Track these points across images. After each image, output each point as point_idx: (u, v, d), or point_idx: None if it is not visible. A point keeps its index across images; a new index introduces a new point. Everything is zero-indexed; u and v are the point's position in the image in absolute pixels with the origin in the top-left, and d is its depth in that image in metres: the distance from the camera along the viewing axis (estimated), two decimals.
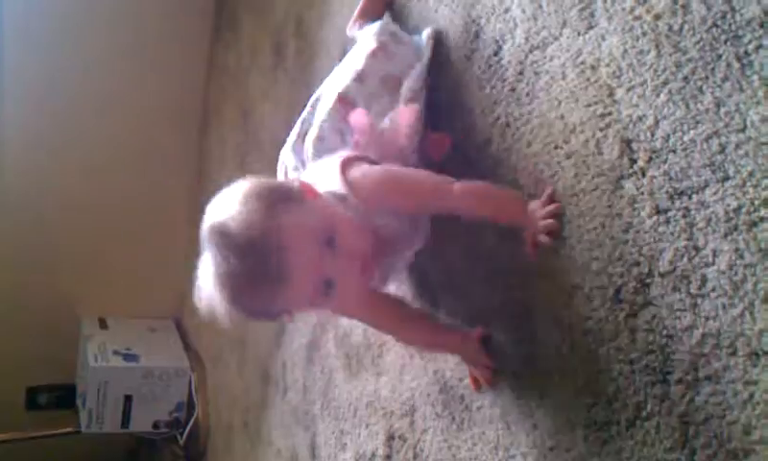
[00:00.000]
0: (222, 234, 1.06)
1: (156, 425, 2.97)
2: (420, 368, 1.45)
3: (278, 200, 1.09)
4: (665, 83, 0.99)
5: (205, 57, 3.09)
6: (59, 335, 3.00)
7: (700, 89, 0.94)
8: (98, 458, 3.14)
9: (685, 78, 0.96)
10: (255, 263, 1.05)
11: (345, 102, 1.37)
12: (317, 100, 1.46)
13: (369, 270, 1.22)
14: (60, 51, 2.84)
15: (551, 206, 1.14)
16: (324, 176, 1.24)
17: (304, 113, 1.48)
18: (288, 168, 1.47)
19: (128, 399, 2.90)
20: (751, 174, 0.88)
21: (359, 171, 1.22)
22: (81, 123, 2.91)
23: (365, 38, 1.47)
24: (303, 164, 1.42)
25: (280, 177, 1.51)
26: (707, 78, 0.94)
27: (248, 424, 2.38)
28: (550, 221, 1.14)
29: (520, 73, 1.24)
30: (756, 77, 0.88)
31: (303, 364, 1.99)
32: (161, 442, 3.03)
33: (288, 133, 2.16)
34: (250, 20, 2.68)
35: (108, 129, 2.96)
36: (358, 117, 1.33)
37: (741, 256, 0.88)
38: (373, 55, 1.40)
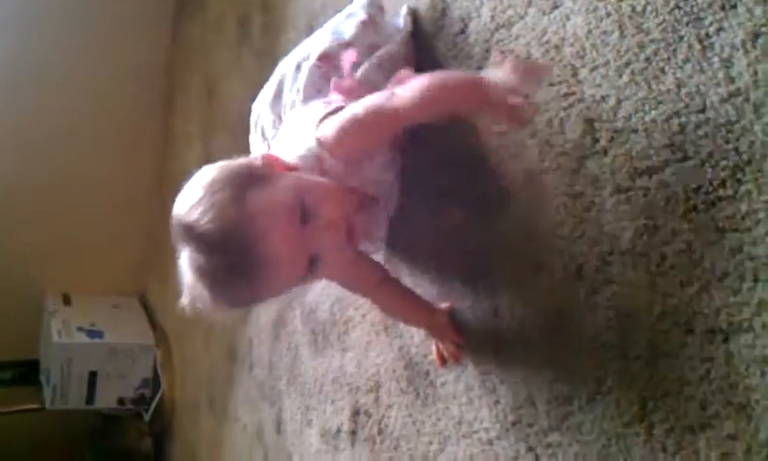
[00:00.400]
0: (193, 232, 1.00)
1: (121, 402, 2.96)
2: (386, 344, 1.46)
3: (245, 184, 1.04)
4: (628, 63, 1.00)
5: (170, 31, 3.06)
6: (22, 311, 2.97)
7: (662, 70, 0.96)
8: (63, 435, 3.12)
9: (648, 59, 0.97)
10: (233, 257, 1.00)
11: (326, 59, 1.35)
12: (295, 62, 1.41)
13: (353, 234, 1.16)
14: (19, 26, 2.79)
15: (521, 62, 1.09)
16: (299, 134, 1.21)
17: (277, 73, 1.45)
18: (265, 126, 1.44)
19: (92, 375, 2.88)
20: (710, 154, 0.89)
21: (328, 123, 1.17)
22: (43, 98, 2.86)
23: (353, 7, 1.45)
24: (280, 119, 1.39)
25: (254, 133, 1.48)
26: (668, 59, 0.95)
27: (213, 400, 2.38)
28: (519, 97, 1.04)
29: (486, 51, 1.25)
30: (716, 59, 0.90)
31: (270, 340, 1.99)
32: (126, 418, 3.02)
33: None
34: None
35: (71, 104, 2.91)
36: (349, 56, 1.32)
37: (699, 236, 0.90)
38: (363, 25, 1.39)
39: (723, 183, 0.88)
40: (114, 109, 2.99)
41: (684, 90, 0.93)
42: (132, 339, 2.97)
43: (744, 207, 0.86)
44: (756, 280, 0.85)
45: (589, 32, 1.06)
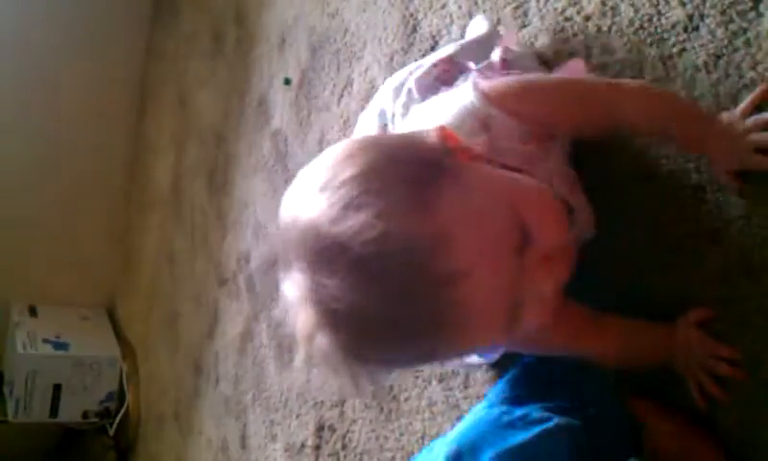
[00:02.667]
0: (344, 259, 0.63)
1: (85, 415, 2.91)
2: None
3: (428, 177, 0.66)
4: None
5: (144, 42, 3.04)
6: None
7: None
8: (26, 448, 3.06)
9: (615, 76, 0.98)
10: (406, 301, 0.63)
11: (447, 62, 1.00)
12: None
13: (568, 266, 0.77)
14: None
15: (764, 116, 0.82)
16: (445, 107, 0.83)
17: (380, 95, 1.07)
18: (396, 114, 0.98)
19: (57, 387, 2.83)
20: (671, 173, 0.91)
21: (492, 81, 0.84)
22: (11, 105, 2.83)
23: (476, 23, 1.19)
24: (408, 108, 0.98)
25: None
26: (634, 79, 0.96)
27: (178, 414, 2.36)
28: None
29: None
30: (679, 79, 0.91)
31: (236, 355, 1.98)
32: (91, 432, 2.98)
33: (227, 120, 2.15)
34: (189, 6, 2.65)
35: (41, 112, 2.88)
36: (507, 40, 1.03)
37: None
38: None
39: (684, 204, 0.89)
40: (85, 118, 2.96)
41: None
42: (98, 351, 2.92)
43: (704, 228, 0.87)
44: None
45: (556, 52, 1.07)
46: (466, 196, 0.66)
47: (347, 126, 1.57)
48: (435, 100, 0.88)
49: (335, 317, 0.64)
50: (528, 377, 0.94)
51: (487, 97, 0.79)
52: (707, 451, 0.85)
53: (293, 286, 0.67)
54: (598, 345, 0.90)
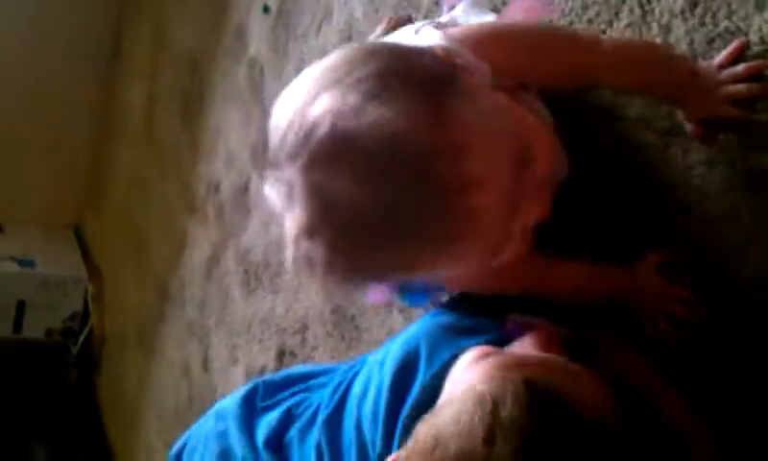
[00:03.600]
0: (356, 152, 0.60)
1: (48, 333, 2.92)
2: (315, 288, 1.47)
3: (441, 87, 0.64)
4: (571, 23, 1.01)
5: None
6: None
7: (603, 32, 0.97)
8: None
9: (590, 20, 0.98)
10: (415, 200, 0.61)
11: None
12: None
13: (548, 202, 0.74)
14: None
15: (742, 67, 0.82)
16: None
17: None
18: None
19: (21, 304, 2.84)
20: (640, 118, 0.92)
21: (460, 27, 0.83)
22: None
23: None
24: None
25: None
26: (610, 22, 0.96)
27: (142, 336, 2.37)
28: (742, 85, 0.82)
29: None
30: (655, 24, 0.91)
31: (202, 279, 1.99)
32: (54, 350, 2.99)
33: (203, 47, 2.13)
34: None
35: (17, 34, 2.82)
36: None
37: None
38: None
39: (652, 146, 0.90)
40: (59, 40, 2.90)
41: None
42: (64, 271, 2.92)
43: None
44: None
45: None
46: (480, 110, 0.65)
47: (324, 57, 1.56)
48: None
49: (333, 213, 0.62)
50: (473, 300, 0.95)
51: (455, 38, 0.76)
52: (647, 374, 0.88)
53: (281, 187, 0.65)
54: (554, 286, 0.90)
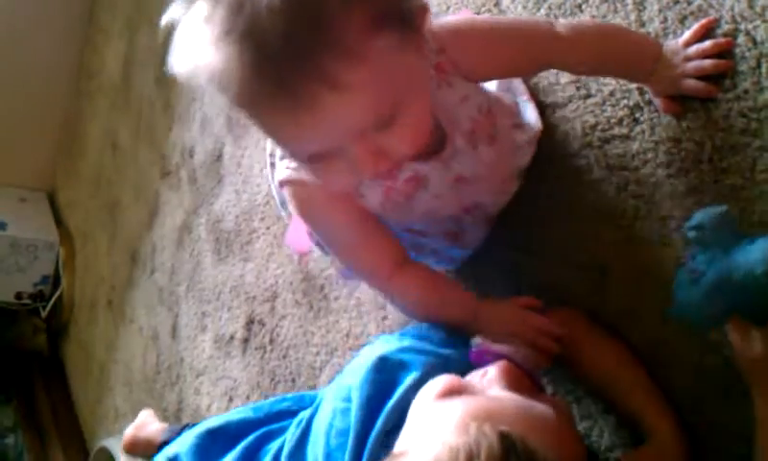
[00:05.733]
0: None
1: (18, 296, 2.89)
2: (286, 257, 1.46)
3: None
4: None
5: None
6: None
7: (579, 7, 0.97)
8: None
9: None
10: (311, 22, 0.64)
11: None
12: None
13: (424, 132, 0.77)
14: None
15: (709, 43, 0.83)
16: None
17: None
18: None
19: None
20: (611, 94, 0.92)
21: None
22: None
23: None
24: None
25: None
26: None
27: (112, 302, 2.35)
28: (708, 61, 0.83)
29: None
30: (629, 1, 0.91)
31: (173, 246, 1.97)
32: (23, 313, 2.96)
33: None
34: None
35: None
36: None
37: (590, 171, 0.93)
38: None
39: (620, 122, 0.90)
40: (32, 1, 2.86)
41: None
42: (35, 234, 2.88)
43: (635, 147, 0.88)
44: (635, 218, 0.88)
45: None
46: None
47: None
48: None
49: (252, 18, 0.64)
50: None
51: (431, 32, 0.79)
52: (618, 362, 0.89)
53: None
54: (400, 282, 0.92)
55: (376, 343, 0.89)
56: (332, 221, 0.89)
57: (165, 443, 1.19)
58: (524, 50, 0.86)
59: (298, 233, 1.07)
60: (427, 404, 0.72)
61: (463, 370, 0.77)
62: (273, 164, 0.93)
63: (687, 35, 0.85)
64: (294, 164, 0.85)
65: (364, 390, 0.80)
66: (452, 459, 0.60)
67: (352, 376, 0.84)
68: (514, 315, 0.88)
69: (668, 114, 0.86)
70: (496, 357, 0.78)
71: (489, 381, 0.73)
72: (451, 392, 0.71)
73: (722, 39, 0.82)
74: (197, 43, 0.68)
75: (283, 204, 0.97)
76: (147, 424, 1.47)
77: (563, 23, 0.86)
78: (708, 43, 0.83)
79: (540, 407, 0.69)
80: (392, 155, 0.73)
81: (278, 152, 0.89)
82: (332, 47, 0.64)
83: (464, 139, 0.86)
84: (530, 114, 0.96)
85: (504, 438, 0.61)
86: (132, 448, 1.43)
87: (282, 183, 0.88)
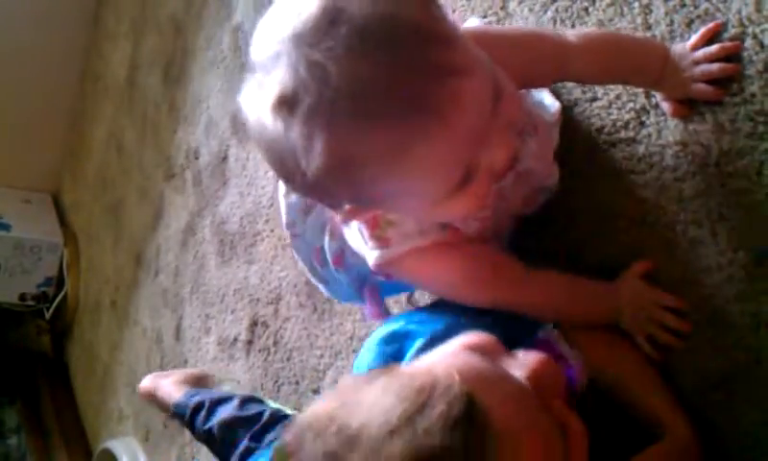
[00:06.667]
0: (350, 23, 0.60)
1: (22, 298, 2.90)
2: (291, 259, 1.46)
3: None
4: (554, 0, 1.01)
5: None
6: None
7: (585, 10, 0.97)
8: None
9: None
10: (405, 75, 0.61)
11: None
12: None
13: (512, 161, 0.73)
14: None
15: (716, 47, 0.83)
16: None
17: None
18: None
19: None
20: (617, 97, 0.91)
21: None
22: None
23: None
24: None
25: None
26: (593, 1, 0.96)
27: (116, 303, 2.36)
28: (715, 65, 0.82)
29: None
30: (636, 4, 0.91)
31: (178, 248, 1.97)
32: (27, 315, 2.97)
33: (188, 11, 2.10)
34: None
35: None
36: None
37: (597, 174, 0.92)
38: None
39: (626, 125, 0.90)
40: (40, 2, 2.87)
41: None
42: (39, 235, 2.89)
43: (641, 150, 0.88)
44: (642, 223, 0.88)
45: None
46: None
47: None
48: None
49: (322, 76, 0.60)
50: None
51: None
52: (635, 359, 0.88)
53: (263, 76, 0.63)
54: (539, 295, 0.87)
55: (384, 324, 0.88)
56: (448, 266, 0.84)
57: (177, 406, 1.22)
58: (536, 58, 0.85)
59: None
60: (450, 348, 0.70)
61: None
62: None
63: (694, 38, 0.85)
64: (384, 245, 0.82)
65: (374, 364, 0.80)
66: (407, 387, 0.59)
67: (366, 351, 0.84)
68: (647, 298, 0.86)
69: (676, 118, 0.86)
70: (555, 355, 0.75)
71: (518, 362, 0.69)
72: (477, 348, 0.68)
73: (729, 43, 0.82)
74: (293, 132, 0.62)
75: (291, 224, 0.96)
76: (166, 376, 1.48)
77: (570, 32, 0.86)
78: (715, 47, 0.83)
79: (538, 416, 0.65)
80: (513, 124, 0.71)
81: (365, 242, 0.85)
82: (434, 43, 0.62)
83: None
84: (546, 97, 0.95)
85: (467, 401, 0.59)
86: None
87: (382, 266, 0.84)
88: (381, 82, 0.60)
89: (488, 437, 0.58)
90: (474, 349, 0.68)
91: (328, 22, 0.60)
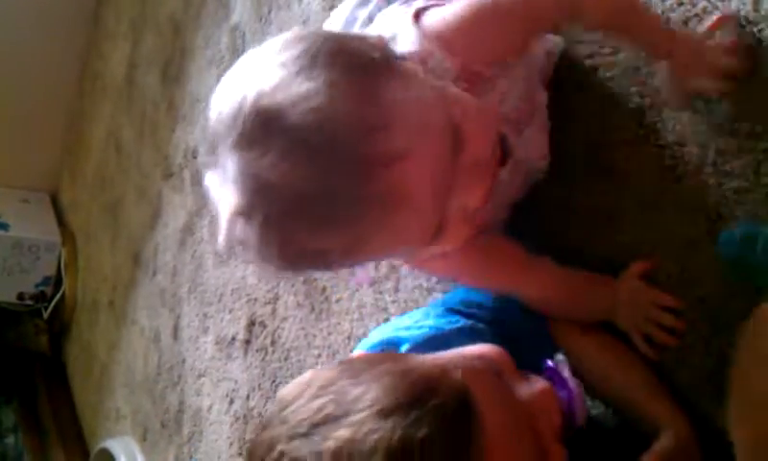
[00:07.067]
0: (278, 121, 0.60)
1: (20, 297, 2.89)
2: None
3: (370, 68, 0.65)
4: None
5: None
6: None
7: None
8: None
9: None
10: (343, 175, 0.60)
11: None
12: None
13: (489, 191, 0.73)
14: None
15: (733, 39, 0.81)
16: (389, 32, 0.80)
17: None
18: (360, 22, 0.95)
19: None
20: (614, 97, 0.92)
21: (434, 13, 0.79)
22: None
23: None
24: (371, 19, 0.92)
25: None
26: None
27: (114, 302, 2.35)
28: (735, 60, 0.79)
29: None
30: None
31: (176, 247, 1.97)
32: (25, 314, 2.96)
33: (187, 11, 2.10)
34: None
35: None
36: None
37: (595, 175, 0.92)
38: None
39: (624, 126, 0.90)
40: (38, 1, 2.87)
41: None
42: (37, 235, 2.89)
43: (640, 150, 0.88)
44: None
45: None
46: (407, 89, 0.65)
47: (306, 26, 1.55)
48: (381, 20, 0.86)
49: (267, 191, 0.60)
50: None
51: (426, 34, 0.77)
52: (631, 359, 0.88)
53: (219, 172, 0.64)
54: (536, 287, 0.89)
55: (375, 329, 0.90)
56: (467, 262, 0.86)
57: None
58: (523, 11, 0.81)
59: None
60: (464, 351, 0.71)
61: (463, 340, 0.76)
62: None
63: (711, 22, 0.82)
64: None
65: None
66: (408, 374, 0.61)
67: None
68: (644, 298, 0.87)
69: (677, 109, 0.85)
70: (560, 383, 0.76)
71: (523, 384, 0.70)
72: (489, 359, 0.69)
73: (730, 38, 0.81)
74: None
75: None
76: None
77: None
78: (731, 39, 0.81)
79: (526, 436, 0.65)
80: (482, 161, 0.70)
81: None
82: (370, 132, 0.60)
83: (512, 131, 0.84)
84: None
85: (464, 400, 0.59)
86: None
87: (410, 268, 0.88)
88: (323, 188, 0.60)
89: (475, 440, 0.59)
90: (486, 358, 0.69)
91: (263, 127, 0.61)
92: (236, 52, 1.80)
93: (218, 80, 1.71)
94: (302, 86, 0.60)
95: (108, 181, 2.54)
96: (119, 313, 2.30)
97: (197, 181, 1.91)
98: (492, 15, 0.79)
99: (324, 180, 0.60)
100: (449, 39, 0.76)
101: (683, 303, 0.86)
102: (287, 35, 0.67)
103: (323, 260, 0.67)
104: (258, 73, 0.63)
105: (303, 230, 0.62)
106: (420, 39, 0.76)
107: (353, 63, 0.64)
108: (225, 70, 1.79)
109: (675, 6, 0.87)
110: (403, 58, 0.71)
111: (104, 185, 2.58)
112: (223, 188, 0.64)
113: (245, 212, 0.62)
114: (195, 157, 1.94)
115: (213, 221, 1.76)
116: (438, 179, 0.65)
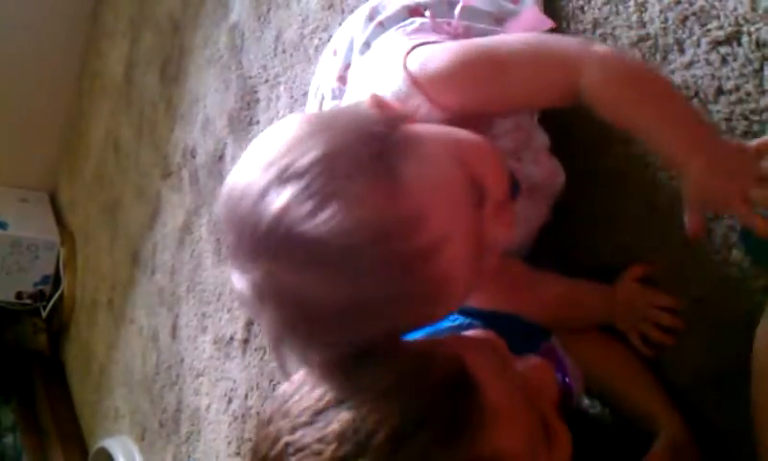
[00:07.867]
0: (314, 252, 0.59)
1: (19, 296, 2.89)
2: None
3: (382, 155, 0.63)
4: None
5: None
6: None
7: (581, 9, 0.97)
8: None
9: None
10: (383, 289, 0.60)
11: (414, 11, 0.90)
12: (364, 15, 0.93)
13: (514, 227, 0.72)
14: None
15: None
16: (376, 71, 0.81)
17: (339, 36, 0.99)
18: (326, 95, 0.96)
19: None
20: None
21: (423, 53, 0.77)
22: None
23: None
24: (344, 83, 0.93)
25: (341, 52, 0.95)
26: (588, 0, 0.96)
27: (112, 301, 2.35)
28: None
29: None
30: (632, 2, 0.91)
31: (174, 246, 1.97)
32: (24, 313, 2.96)
33: (186, 9, 2.10)
34: None
35: None
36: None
37: (594, 177, 0.92)
38: None
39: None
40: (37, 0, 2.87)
41: (599, 31, 0.95)
42: (36, 234, 2.89)
43: (638, 150, 0.88)
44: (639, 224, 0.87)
45: None
46: (423, 166, 0.64)
47: (305, 25, 1.54)
48: (372, 58, 0.86)
49: (305, 309, 0.61)
50: None
51: (415, 82, 0.75)
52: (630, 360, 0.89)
53: (248, 284, 0.64)
54: (536, 303, 0.89)
55: None
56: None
57: None
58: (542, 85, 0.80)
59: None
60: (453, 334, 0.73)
61: None
62: None
63: (760, 141, 0.73)
64: None
65: None
66: (410, 350, 0.63)
67: None
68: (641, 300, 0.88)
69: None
70: (556, 361, 0.76)
71: (519, 361, 0.70)
72: (485, 341, 0.70)
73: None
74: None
75: None
76: None
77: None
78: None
79: (527, 408, 0.65)
80: (500, 201, 0.69)
81: None
82: (397, 239, 0.60)
83: (512, 161, 0.84)
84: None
85: (464, 373, 0.60)
86: None
87: None
88: (362, 300, 0.61)
89: (477, 412, 0.60)
90: (481, 338, 0.70)
91: (295, 253, 0.60)
92: (235, 51, 1.80)
93: (217, 79, 1.71)
94: (328, 213, 0.59)
95: (107, 180, 2.54)
96: (118, 312, 2.30)
97: (195, 180, 1.91)
98: (490, 64, 0.78)
99: (366, 295, 0.60)
100: (436, 88, 0.75)
101: (680, 302, 0.86)
102: (288, 136, 0.65)
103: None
104: (277, 192, 0.61)
105: (345, 344, 0.62)
106: (407, 89, 0.75)
107: (364, 157, 0.62)
108: (223, 69, 1.79)
109: (672, 5, 0.87)
110: (404, 118, 0.70)
111: (102, 185, 2.58)
112: (260, 308, 0.64)
113: (289, 334, 0.63)
114: (194, 157, 1.94)
115: (211, 220, 1.76)
116: (474, 245, 0.65)
